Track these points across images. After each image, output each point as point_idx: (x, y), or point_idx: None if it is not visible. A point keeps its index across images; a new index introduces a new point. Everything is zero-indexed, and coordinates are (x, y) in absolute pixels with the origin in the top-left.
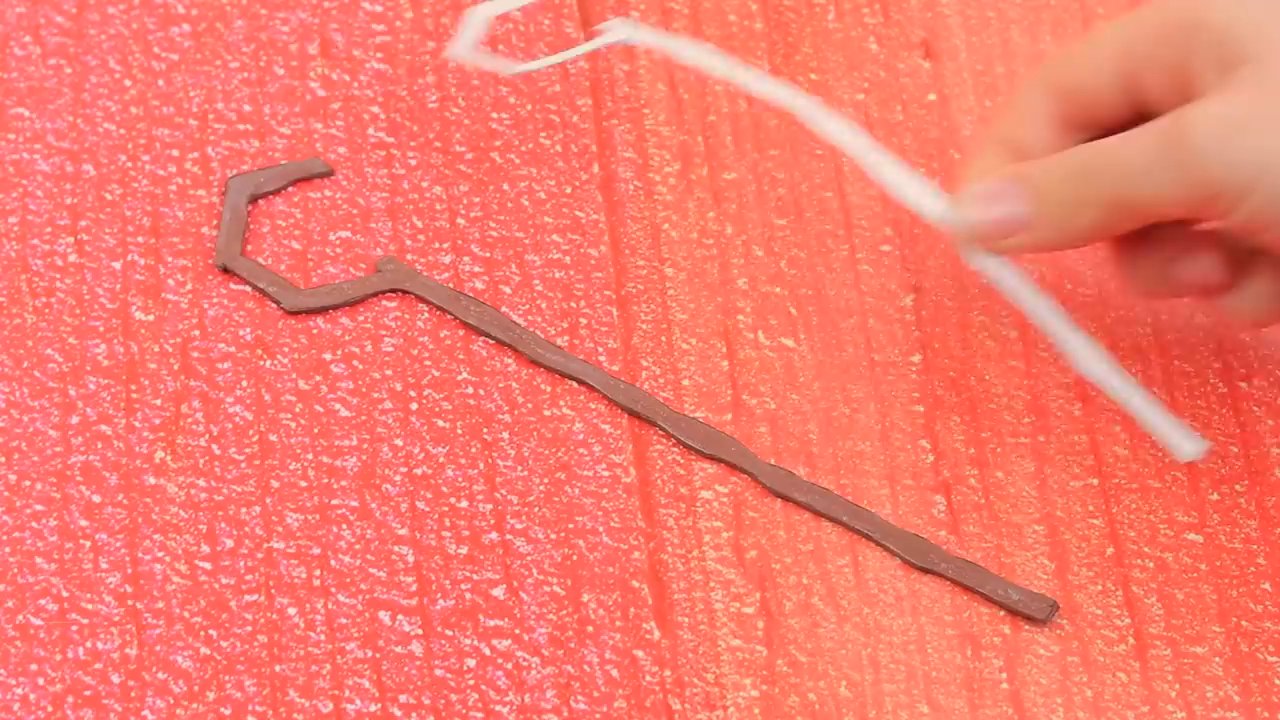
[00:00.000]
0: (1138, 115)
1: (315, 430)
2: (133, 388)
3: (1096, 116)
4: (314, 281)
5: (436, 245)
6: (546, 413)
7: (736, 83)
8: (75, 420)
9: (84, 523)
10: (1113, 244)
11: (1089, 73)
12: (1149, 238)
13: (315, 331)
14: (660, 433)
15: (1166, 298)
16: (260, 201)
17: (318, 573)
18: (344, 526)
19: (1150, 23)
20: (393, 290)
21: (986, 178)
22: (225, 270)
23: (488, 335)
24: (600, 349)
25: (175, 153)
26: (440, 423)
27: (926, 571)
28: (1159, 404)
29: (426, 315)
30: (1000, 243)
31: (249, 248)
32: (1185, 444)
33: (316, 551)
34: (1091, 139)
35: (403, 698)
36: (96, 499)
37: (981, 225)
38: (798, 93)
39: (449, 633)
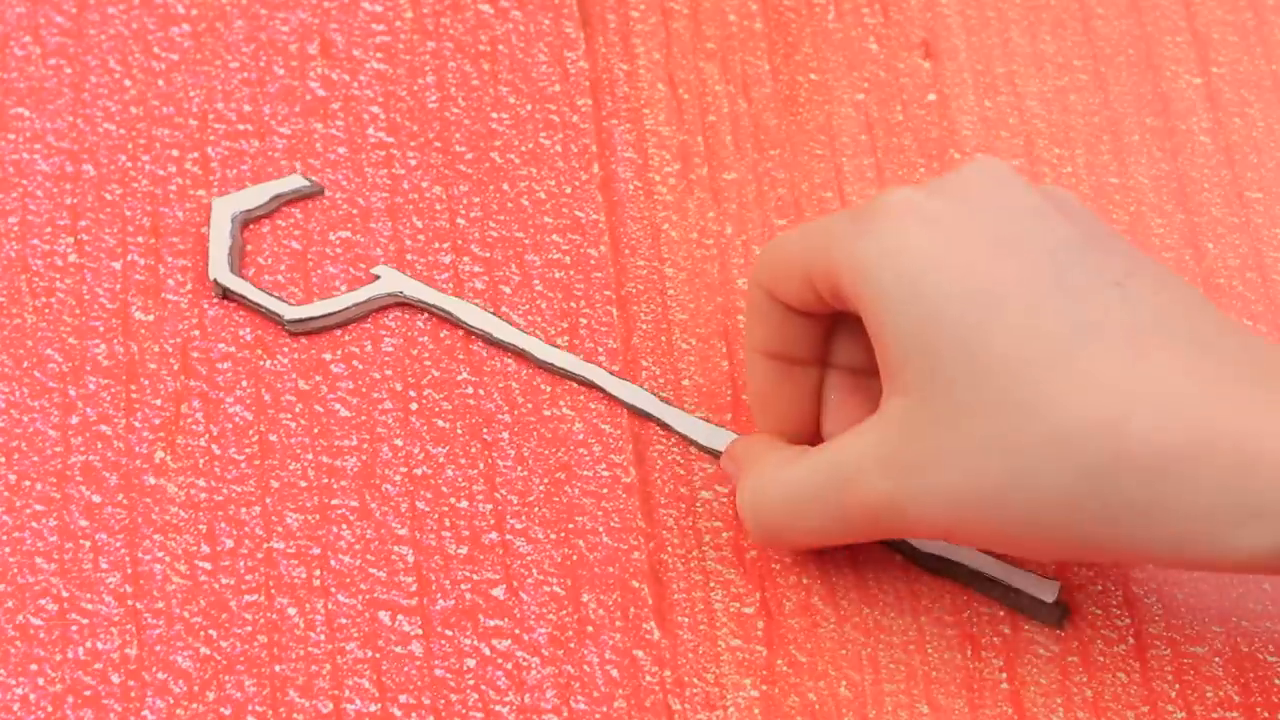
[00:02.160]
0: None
1: (315, 430)
2: (133, 388)
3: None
4: (314, 281)
5: (436, 246)
6: (546, 413)
7: (514, 344)
8: (75, 420)
9: (84, 523)
10: None
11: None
12: None
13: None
14: (660, 432)
15: None
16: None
17: (318, 573)
18: (344, 526)
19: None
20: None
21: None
22: (225, 296)
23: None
24: (600, 349)
25: (175, 153)
26: (440, 423)
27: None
28: (1006, 564)
29: (426, 315)
30: None
31: (248, 248)
32: (1042, 593)
33: (316, 551)
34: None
35: (403, 698)
36: (96, 499)
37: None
38: (591, 365)
39: (449, 633)
